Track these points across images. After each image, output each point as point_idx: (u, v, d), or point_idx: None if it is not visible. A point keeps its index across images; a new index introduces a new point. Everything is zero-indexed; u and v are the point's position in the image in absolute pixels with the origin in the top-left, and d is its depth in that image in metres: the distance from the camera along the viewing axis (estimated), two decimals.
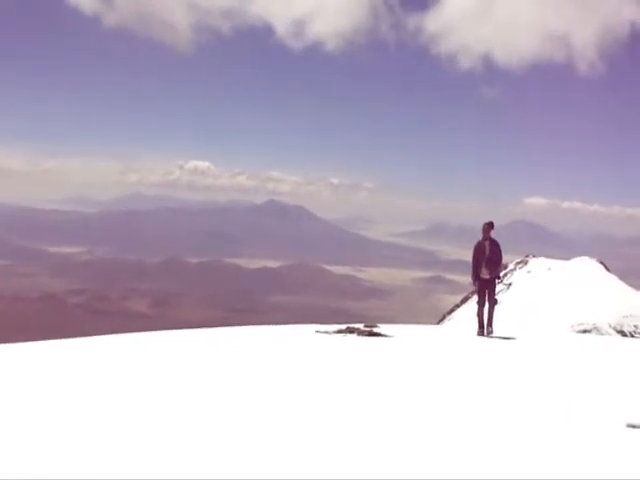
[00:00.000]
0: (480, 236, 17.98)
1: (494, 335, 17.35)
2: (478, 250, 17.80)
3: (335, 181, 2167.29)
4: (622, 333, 59.02)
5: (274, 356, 11.84)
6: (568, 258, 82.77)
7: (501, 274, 20.14)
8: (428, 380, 9.78)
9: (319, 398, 8.05)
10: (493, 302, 17.74)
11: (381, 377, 9.82)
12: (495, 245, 17.78)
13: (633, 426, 7.05)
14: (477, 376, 10.45)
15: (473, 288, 18.77)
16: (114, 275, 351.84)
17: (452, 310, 79.53)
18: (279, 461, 5.39)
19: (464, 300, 78.45)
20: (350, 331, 16.28)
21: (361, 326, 17.39)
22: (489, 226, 17.80)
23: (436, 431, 6.58)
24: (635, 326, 62.77)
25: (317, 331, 16.31)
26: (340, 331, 16.35)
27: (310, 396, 8.17)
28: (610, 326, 60.06)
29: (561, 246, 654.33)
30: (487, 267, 17.60)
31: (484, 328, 17.67)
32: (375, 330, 16.62)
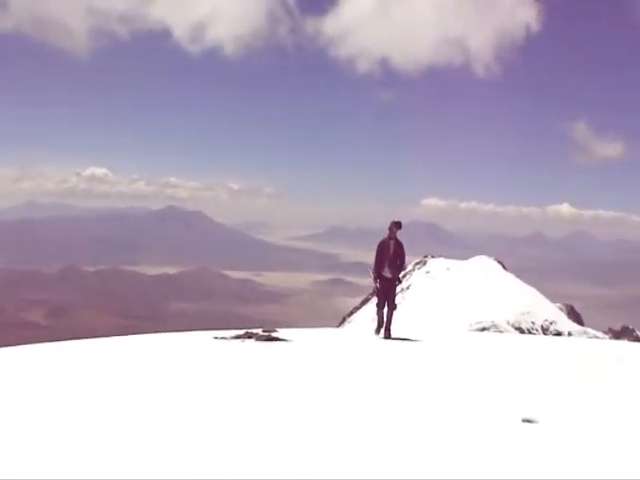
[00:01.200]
0: (383, 235, 17.60)
1: (393, 337, 17.11)
2: (382, 248, 17.27)
3: (235, 186, 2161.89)
4: (520, 330, 60.60)
5: (169, 363, 11.34)
6: (466, 258, 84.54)
7: (401, 276, 19.93)
8: (323, 383, 9.44)
9: (206, 404, 7.67)
10: (393, 306, 17.43)
11: (274, 382, 9.45)
12: (399, 246, 17.41)
13: (529, 421, 7.24)
14: (376, 378, 10.18)
15: (374, 286, 18.33)
16: (9, 286, 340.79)
17: (352, 312, 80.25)
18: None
19: (364, 302, 79.25)
20: (248, 336, 15.86)
21: (259, 331, 17.03)
22: (397, 226, 17.31)
23: (326, 437, 6.26)
24: (532, 323, 64.60)
25: (215, 337, 15.86)
26: (238, 337, 15.89)
27: (196, 402, 7.76)
28: (508, 323, 61.59)
29: (459, 246, 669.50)
30: (390, 267, 17.17)
31: (382, 328, 17.38)
32: (274, 335, 16.24)
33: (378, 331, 17.37)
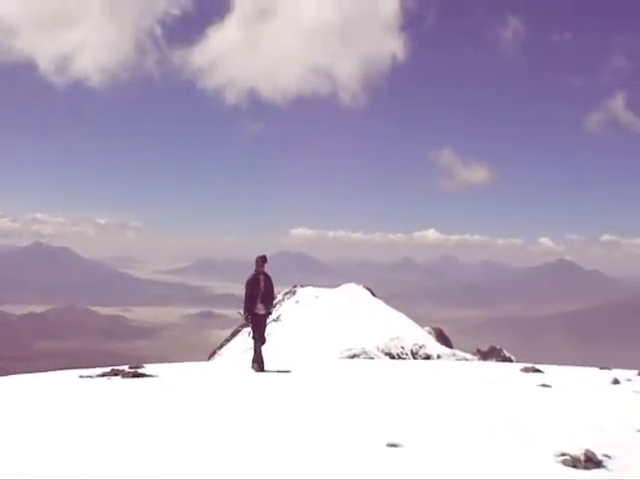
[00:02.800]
0: (253, 269, 17.49)
1: (266, 370, 16.89)
2: (253, 284, 17.16)
3: (101, 221, 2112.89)
4: (390, 355, 61.27)
5: (28, 404, 10.80)
6: (335, 286, 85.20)
7: (273, 310, 19.92)
8: (184, 419, 9.16)
9: (58, 446, 7.23)
10: (262, 340, 17.27)
11: (133, 418, 9.12)
12: (269, 279, 17.37)
13: (393, 445, 7.44)
14: (242, 410, 10.03)
15: (245, 322, 18.10)
16: None
17: (222, 345, 79.30)
18: None
19: (234, 334, 78.48)
20: (114, 374, 15.29)
21: (126, 368, 16.43)
22: (263, 260, 17.27)
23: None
24: (402, 347, 65.48)
25: (81, 376, 15.14)
26: (104, 374, 15.30)
27: (46, 444, 7.31)
28: (378, 349, 62.19)
29: (328, 275, 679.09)
30: (263, 302, 17.11)
31: (260, 364, 17.17)
32: (140, 371, 15.74)
33: (259, 368, 17.00)
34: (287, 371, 16.82)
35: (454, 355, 67.02)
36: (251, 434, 8.17)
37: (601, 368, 21.77)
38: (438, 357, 63.06)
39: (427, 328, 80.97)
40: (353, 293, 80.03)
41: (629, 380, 17.49)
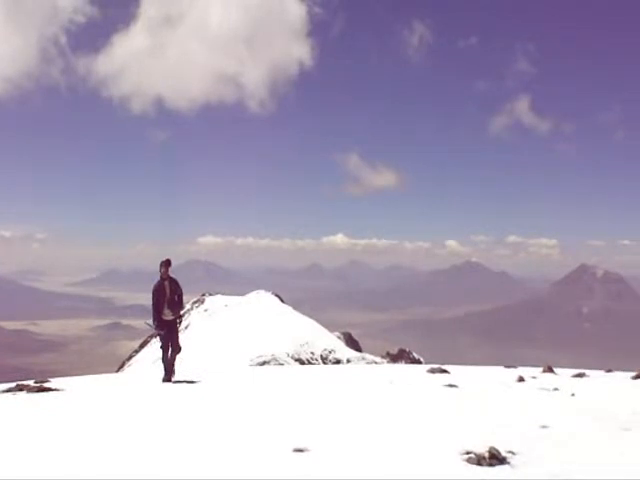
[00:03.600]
0: (159, 277, 17.15)
1: (176, 380, 16.63)
2: (158, 291, 16.78)
3: (6, 234, 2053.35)
4: (300, 361, 61.36)
5: None
6: (244, 293, 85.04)
7: (182, 313, 19.46)
8: (90, 432, 8.80)
9: None
10: (177, 348, 16.96)
11: (37, 433, 8.67)
12: (175, 284, 17.01)
13: (300, 450, 7.43)
14: (154, 422, 9.72)
15: (155, 332, 17.70)
16: None
17: (131, 356, 78.16)
18: None
19: (143, 345, 77.46)
20: (20, 389, 14.78)
21: (31, 382, 15.92)
22: (166, 264, 16.91)
23: None
24: (312, 353, 65.66)
25: None
26: (9, 390, 14.76)
27: None
28: (288, 355, 62.22)
29: (237, 282, 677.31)
30: (169, 308, 16.75)
31: (171, 375, 16.86)
32: (46, 385, 15.27)
33: (167, 379, 16.69)
34: (198, 381, 16.67)
35: (364, 359, 67.60)
36: (161, 444, 8.01)
37: (507, 367, 22.31)
38: (348, 361, 63.50)
39: (336, 333, 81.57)
40: (262, 300, 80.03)
41: (534, 377, 17.95)
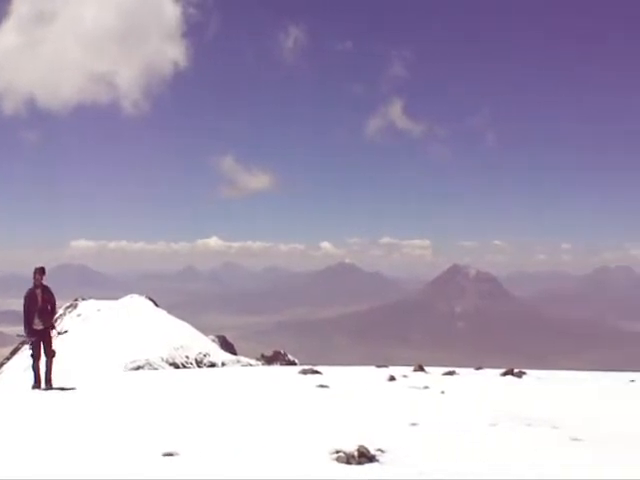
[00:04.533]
0: (32, 283, 17.01)
1: (54, 388, 16.48)
2: (30, 299, 16.44)
3: None
4: (175, 365, 61.15)
5: None
6: (118, 298, 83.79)
7: (56, 323, 19.17)
8: None
9: None
10: (51, 354, 16.77)
11: None
12: (48, 292, 16.70)
13: (169, 454, 7.48)
14: (26, 430, 9.52)
15: (26, 339, 17.47)
16: None
17: (2, 364, 75.81)
18: None
19: (14, 352, 75.23)
20: None
21: None
22: (40, 272, 16.57)
23: None
24: (187, 357, 65.51)
25: None
26: None
27: None
28: (163, 360, 61.87)
29: (111, 286, 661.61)
30: (40, 317, 16.37)
31: (41, 382, 16.66)
32: None
33: (38, 385, 16.57)
34: (69, 388, 16.34)
35: (238, 361, 67.96)
36: (32, 451, 7.92)
37: (378, 366, 22.86)
38: (223, 364, 63.74)
39: (211, 336, 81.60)
40: (135, 304, 79.06)
41: (405, 376, 18.51)
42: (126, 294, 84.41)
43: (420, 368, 21.26)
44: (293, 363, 77.08)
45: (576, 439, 9.15)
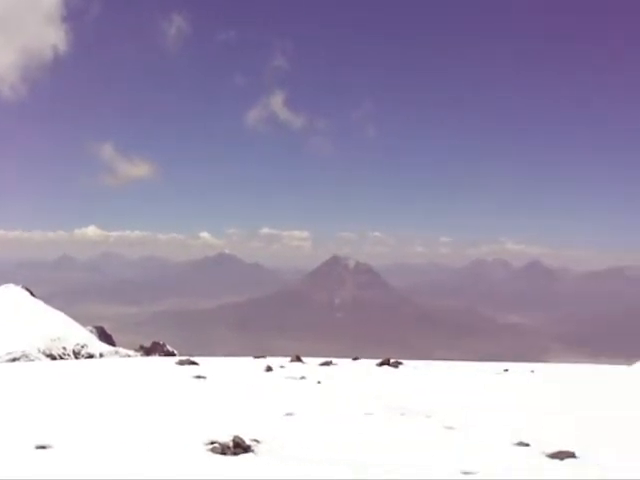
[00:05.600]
0: None
1: None
2: None
3: None
4: (52, 357, 59.89)
5: None
6: None
7: None
8: None
9: None
10: None
11: None
12: None
13: (42, 447, 7.38)
14: None
15: None
16: None
17: None
18: None
19: None
20: None
21: None
22: None
23: None
24: (64, 348, 64.29)
25: None
26: None
27: None
28: (40, 351, 60.59)
29: None
30: None
31: None
32: None
33: None
34: None
35: (117, 353, 67.31)
36: None
37: (256, 357, 22.82)
38: (101, 355, 63.02)
39: (89, 327, 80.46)
40: (11, 295, 76.87)
41: (282, 367, 18.65)
42: (1, 284, 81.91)
43: (297, 358, 21.43)
44: (172, 354, 76.78)
45: (449, 427, 9.56)
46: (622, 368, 28.50)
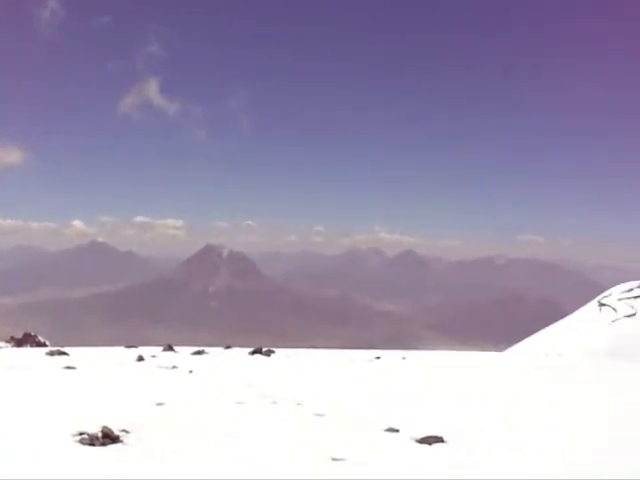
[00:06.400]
0: None
1: None
2: None
3: None
4: None
5: None
6: None
7: None
8: None
9: None
10: None
11: None
12: None
13: None
14: None
15: None
16: None
17: None
18: None
19: None
20: None
21: None
22: None
23: None
24: None
25: None
26: None
27: None
28: None
29: None
30: None
31: None
32: None
33: None
34: None
35: None
36: None
37: (127, 347, 22.59)
38: None
39: None
40: None
41: (154, 356, 18.56)
42: None
43: (169, 348, 21.42)
44: (44, 345, 74.76)
45: (320, 415, 9.75)
46: (492, 355, 29.83)
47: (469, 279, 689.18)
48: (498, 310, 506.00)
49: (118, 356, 18.63)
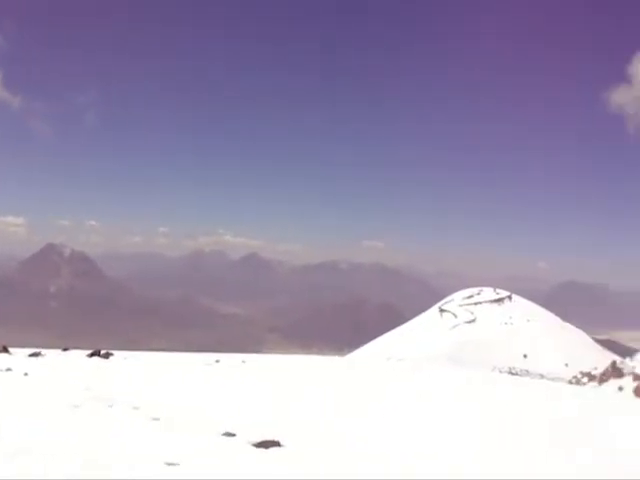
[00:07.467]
0: None
1: None
2: None
3: None
4: None
5: None
6: None
7: None
8: None
9: None
10: None
11: None
12: None
13: None
14: None
15: None
16: None
17: None
18: None
19: None
20: None
21: None
22: None
23: None
24: None
25: None
26: None
27: None
28: None
29: None
30: None
31: None
32: None
33: None
34: None
35: None
36: None
37: None
38: None
39: None
40: None
41: None
42: None
43: (4, 349, 20.71)
44: None
45: (156, 419, 9.73)
46: (334, 358, 30.49)
47: (314, 283, 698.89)
48: (342, 314, 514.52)
49: None
